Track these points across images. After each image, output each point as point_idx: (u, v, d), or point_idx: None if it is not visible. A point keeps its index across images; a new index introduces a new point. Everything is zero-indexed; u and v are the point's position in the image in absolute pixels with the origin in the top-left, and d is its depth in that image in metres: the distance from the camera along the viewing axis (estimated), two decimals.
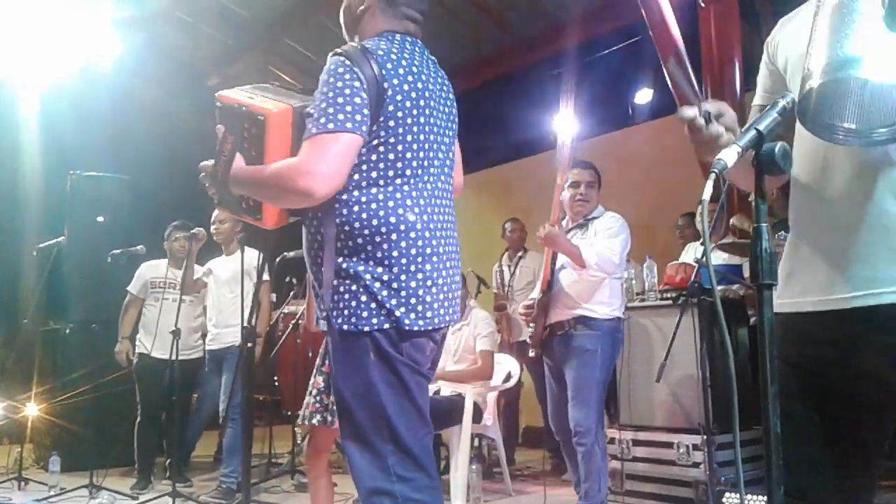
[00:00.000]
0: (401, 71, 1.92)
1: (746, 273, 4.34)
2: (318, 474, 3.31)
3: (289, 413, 5.76)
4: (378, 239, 1.88)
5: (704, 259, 3.30)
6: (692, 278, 3.95)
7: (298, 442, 6.09)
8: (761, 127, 1.23)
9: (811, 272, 1.48)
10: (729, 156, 1.19)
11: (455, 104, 2.13)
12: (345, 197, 1.89)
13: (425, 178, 1.97)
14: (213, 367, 5.31)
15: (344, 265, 1.89)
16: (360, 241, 1.88)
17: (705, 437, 3.94)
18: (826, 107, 1.29)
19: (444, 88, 2.08)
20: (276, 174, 1.87)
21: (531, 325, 3.91)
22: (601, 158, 3.87)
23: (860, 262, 1.40)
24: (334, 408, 2.89)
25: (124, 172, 6.62)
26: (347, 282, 1.88)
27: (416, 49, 2.03)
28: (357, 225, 1.88)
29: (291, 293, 5.83)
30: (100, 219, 6.44)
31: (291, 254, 4.61)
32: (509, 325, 6.06)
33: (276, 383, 5.85)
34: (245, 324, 3.20)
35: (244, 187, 1.98)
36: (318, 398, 3.17)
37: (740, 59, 5.48)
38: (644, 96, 8.00)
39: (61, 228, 6.28)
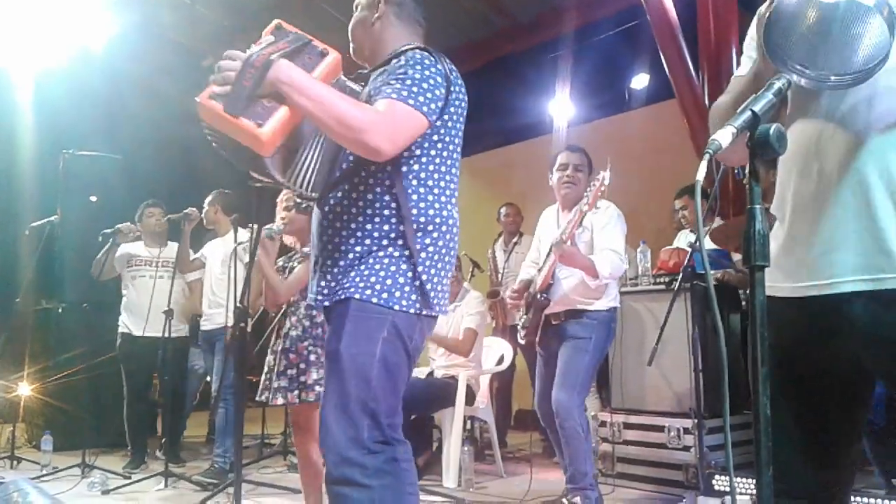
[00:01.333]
0: (459, 80, 2.05)
1: (737, 257, 4.35)
2: (303, 452, 3.35)
3: None
4: (430, 228, 1.98)
5: (697, 243, 3.31)
6: (685, 263, 3.95)
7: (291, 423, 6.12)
8: (756, 108, 1.23)
9: (792, 257, 1.49)
10: (723, 136, 1.19)
11: None
12: (397, 189, 1.96)
13: (456, 176, 2.10)
14: (206, 348, 5.33)
15: (374, 247, 1.96)
16: (413, 226, 1.97)
17: (696, 420, 3.96)
18: (781, 27, 1.31)
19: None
20: (359, 112, 1.83)
21: (520, 310, 3.91)
22: (597, 143, 3.87)
23: (843, 250, 1.40)
24: (292, 384, 3.20)
25: (118, 152, 6.59)
26: (386, 261, 1.95)
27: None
28: (414, 212, 1.97)
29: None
30: (93, 198, 6.43)
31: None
32: (503, 309, 6.07)
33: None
34: (237, 304, 3.20)
35: (294, 88, 1.79)
36: (268, 377, 3.30)
37: (737, 43, 5.48)
38: (640, 81, 7.99)
39: (55, 208, 6.25)
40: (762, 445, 1.19)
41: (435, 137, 2.00)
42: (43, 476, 4.87)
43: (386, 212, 1.96)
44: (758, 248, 1.22)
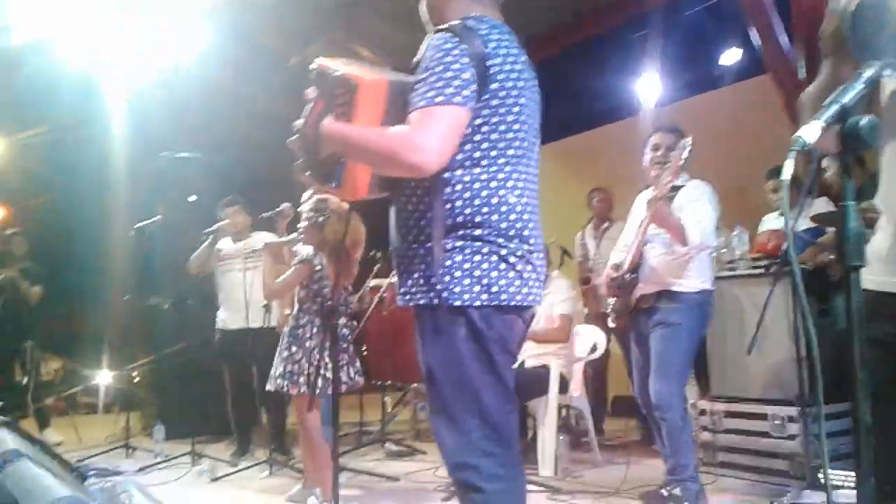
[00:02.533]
0: (502, 50, 1.91)
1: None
2: (305, 436, 3.85)
3: (377, 383, 5.90)
4: (478, 219, 1.89)
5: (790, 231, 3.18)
6: (783, 246, 3.80)
7: (388, 411, 6.24)
8: (845, 101, 1.17)
9: None
10: (810, 132, 1.14)
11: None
12: (447, 176, 1.89)
13: (524, 159, 1.97)
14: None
15: (452, 241, 1.90)
16: (460, 219, 1.90)
17: (801, 409, 3.83)
18: (868, 21, 1.24)
19: (530, 71, 2.06)
20: (387, 141, 1.85)
21: (611, 298, 3.86)
22: (686, 122, 3.75)
23: None
24: (288, 375, 3.76)
25: (212, 154, 6.83)
26: (458, 258, 1.89)
27: (505, 30, 2.00)
28: (459, 204, 1.89)
29: (376, 267, 5.92)
30: (192, 198, 6.69)
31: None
32: (595, 296, 6.01)
33: (365, 353, 5.99)
34: (328, 300, 3.32)
35: (343, 145, 1.93)
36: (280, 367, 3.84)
37: None
38: (731, 57, 7.70)
39: (153, 209, 6.53)
40: (863, 454, 1.14)
41: (478, 121, 1.89)
42: (156, 464, 5.12)
43: (442, 206, 1.91)
44: (853, 247, 1.17)
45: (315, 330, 3.82)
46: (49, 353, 8.01)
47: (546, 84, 2.19)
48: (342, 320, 3.82)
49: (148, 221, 6.11)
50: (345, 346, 3.85)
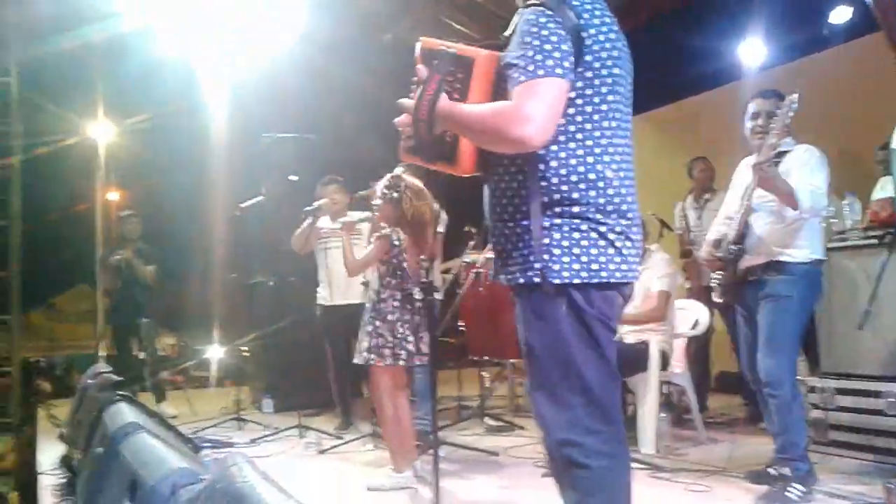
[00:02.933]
0: (596, 21, 1.90)
1: None
2: (386, 410, 3.96)
3: (474, 359, 5.95)
4: (576, 195, 1.88)
5: None
6: None
7: (487, 386, 6.29)
8: None
9: None
10: None
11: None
12: (541, 152, 1.88)
13: (619, 131, 1.95)
14: None
15: (548, 217, 1.89)
16: (556, 196, 1.89)
17: None
18: None
19: (623, 39, 2.01)
20: (494, 116, 1.84)
21: (715, 272, 3.74)
22: (792, 86, 3.57)
23: None
24: (374, 349, 3.89)
25: (311, 132, 6.97)
26: (556, 235, 1.89)
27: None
28: (555, 180, 1.89)
29: (471, 242, 5.93)
30: (293, 178, 6.86)
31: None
32: (696, 269, 5.84)
33: (462, 329, 6.04)
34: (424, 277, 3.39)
35: (454, 124, 1.93)
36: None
37: None
38: (840, 15, 7.26)
39: (257, 190, 6.73)
40: None
41: (572, 94, 1.87)
42: (265, 436, 5.33)
43: (528, 185, 1.90)
44: None
45: (396, 304, 3.93)
46: (163, 329, 8.44)
47: (643, 50, 2.14)
48: (419, 293, 3.92)
49: (251, 202, 6.31)
50: (418, 319, 3.94)
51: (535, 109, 1.79)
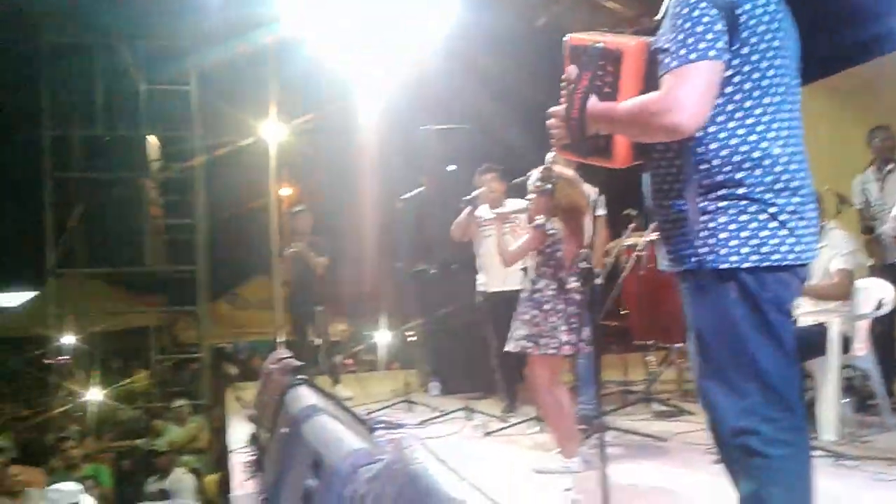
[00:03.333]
0: None
1: None
2: (545, 398, 3.99)
3: (639, 343, 5.85)
4: (740, 175, 1.84)
5: None
6: None
7: (652, 370, 6.17)
8: None
9: None
10: None
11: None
12: (700, 134, 1.85)
13: (784, 105, 1.88)
14: None
15: (702, 203, 1.86)
16: (719, 178, 1.85)
17: None
18: None
19: (785, 8, 1.93)
20: (643, 109, 1.84)
21: None
22: None
23: None
24: (529, 337, 3.89)
25: (468, 122, 7.09)
26: (705, 219, 1.86)
27: None
28: (716, 162, 1.85)
29: (631, 225, 5.83)
30: (451, 168, 7.01)
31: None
32: (880, 246, 5.43)
33: (624, 313, 5.96)
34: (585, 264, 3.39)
35: (606, 124, 1.95)
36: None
37: None
38: None
39: (417, 180, 6.93)
40: None
41: (729, 72, 1.82)
42: (433, 418, 5.52)
43: (690, 168, 1.86)
44: None
45: (551, 293, 3.94)
46: (335, 316, 8.89)
47: (814, 12, 2.03)
48: (575, 282, 3.91)
49: (412, 193, 6.52)
50: (573, 308, 3.92)
51: (686, 96, 1.77)
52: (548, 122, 2.03)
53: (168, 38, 10.67)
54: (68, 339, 10.57)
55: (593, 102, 1.92)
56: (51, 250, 10.07)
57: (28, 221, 12.10)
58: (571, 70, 1.97)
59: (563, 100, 1.99)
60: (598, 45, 1.95)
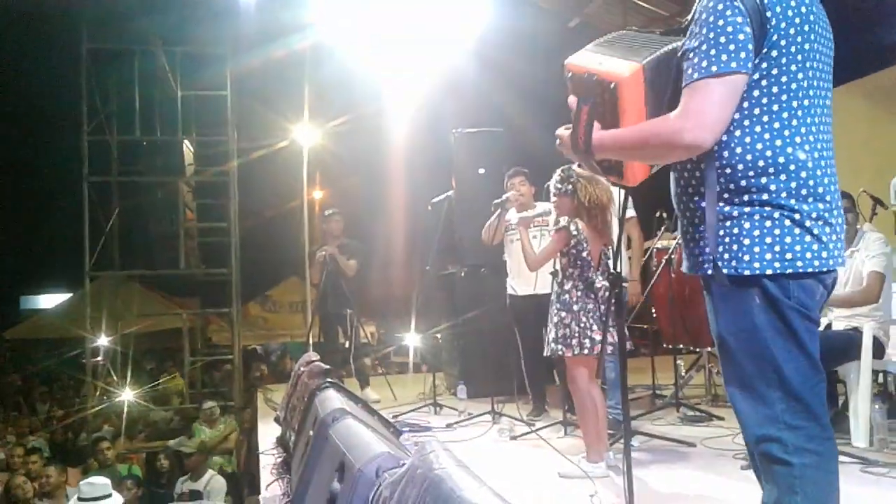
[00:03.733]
0: None
1: None
2: (578, 399, 3.97)
3: (668, 346, 5.80)
4: (764, 180, 1.82)
5: None
6: None
7: (682, 374, 6.11)
8: None
9: None
10: None
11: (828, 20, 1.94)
12: (725, 138, 1.84)
13: (812, 109, 1.85)
14: None
15: (726, 209, 1.85)
16: (743, 183, 1.84)
17: None
18: None
19: (819, 8, 1.90)
20: (657, 132, 1.84)
21: None
22: None
23: None
24: (561, 339, 3.93)
25: (497, 126, 7.08)
26: (728, 225, 1.85)
27: None
28: (741, 167, 1.84)
29: (663, 227, 5.79)
30: (481, 171, 7.01)
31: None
32: None
33: (654, 315, 5.92)
34: (612, 269, 3.36)
35: (615, 153, 1.98)
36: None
37: None
38: None
39: (447, 183, 6.94)
40: None
41: (756, 76, 1.80)
42: (460, 422, 5.53)
43: (713, 174, 1.84)
44: None
45: (579, 293, 3.96)
46: (365, 318, 8.93)
47: (850, 11, 2.01)
48: (602, 282, 3.92)
49: (442, 196, 6.53)
50: (602, 308, 3.93)
51: (705, 112, 1.76)
52: (556, 144, 2.07)
53: (204, 43, 10.82)
54: (103, 341, 10.75)
55: (599, 134, 1.94)
56: (88, 253, 10.25)
57: (66, 224, 12.37)
58: (572, 100, 2.00)
59: (570, 126, 2.03)
60: (593, 76, 1.95)
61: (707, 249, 1.89)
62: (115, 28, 10.55)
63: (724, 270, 1.85)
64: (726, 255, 1.85)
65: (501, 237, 5.83)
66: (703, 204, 1.89)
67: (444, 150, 7.48)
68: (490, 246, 5.88)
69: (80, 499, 4.89)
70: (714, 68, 1.76)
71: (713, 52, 1.77)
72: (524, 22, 8.20)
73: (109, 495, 4.94)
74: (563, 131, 2.05)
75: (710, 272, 1.89)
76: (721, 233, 1.85)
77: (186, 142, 10.96)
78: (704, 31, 1.79)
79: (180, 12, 10.47)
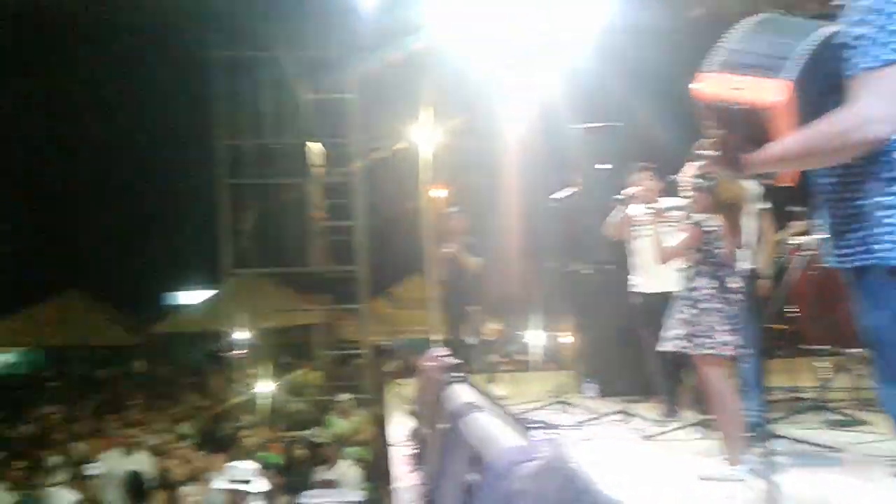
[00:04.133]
0: None
1: None
2: (712, 399, 3.84)
3: (807, 347, 5.53)
4: None
5: None
6: None
7: (824, 376, 5.81)
8: None
9: None
10: None
11: None
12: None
13: None
14: None
15: (882, 199, 1.79)
16: None
17: None
18: None
19: None
20: (831, 133, 1.78)
21: None
22: None
23: None
24: (688, 337, 3.80)
25: (619, 120, 6.97)
26: (882, 214, 1.78)
27: None
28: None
29: (795, 223, 5.52)
30: (603, 166, 6.91)
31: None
32: None
33: (793, 315, 5.66)
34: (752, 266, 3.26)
35: (775, 165, 1.95)
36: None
37: None
38: None
39: (569, 179, 6.87)
40: None
41: None
42: (590, 420, 5.46)
43: (878, 158, 1.76)
44: None
45: (709, 292, 3.85)
46: (490, 315, 8.98)
47: None
48: (736, 281, 3.80)
49: (565, 192, 6.48)
50: (733, 308, 3.79)
51: (881, 102, 1.68)
52: (699, 166, 2.04)
53: (326, 49, 11.20)
54: (242, 335, 11.31)
55: (756, 156, 1.90)
56: (226, 252, 10.82)
57: (205, 225, 13.11)
58: (712, 126, 1.97)
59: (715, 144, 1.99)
60: (734, 106, 1.89)
61: (866, 241, 1.81)
62: (242, 38, 11.07)
63: (874, 262, 1.78)
64: (878, 246, 1.77)
65: (626, 233, 5.73)
66: (859, 194, 1.81)
67: (565, 145, 7.43)
68: (615, 242, 5.79)
69: (230, 481, 5.17)
70: (885, 56, 1.69)
71: (883, 36, 1.70)
72: (645, 13, 8.00)
73: (253, 480, 5.20)
74: (712, 154, 2.02)
75: (869, 262, 1.80)
76: (885, 222, 1.77)
77: (314, 144, 11.38)
78: (873, 17, 1.72)
79: (301, 20, 10.87)
